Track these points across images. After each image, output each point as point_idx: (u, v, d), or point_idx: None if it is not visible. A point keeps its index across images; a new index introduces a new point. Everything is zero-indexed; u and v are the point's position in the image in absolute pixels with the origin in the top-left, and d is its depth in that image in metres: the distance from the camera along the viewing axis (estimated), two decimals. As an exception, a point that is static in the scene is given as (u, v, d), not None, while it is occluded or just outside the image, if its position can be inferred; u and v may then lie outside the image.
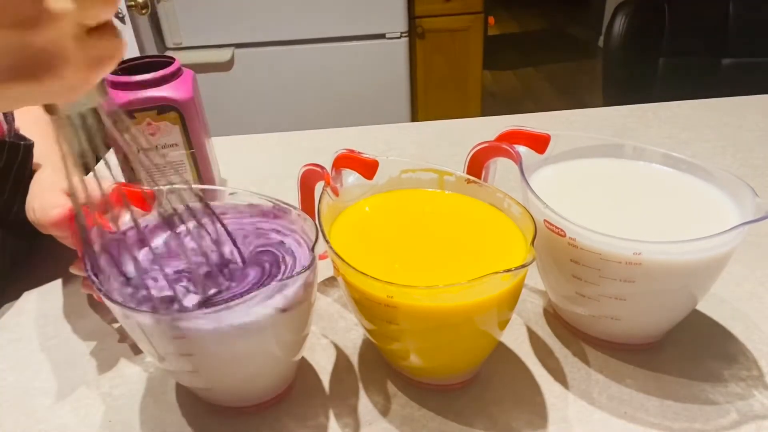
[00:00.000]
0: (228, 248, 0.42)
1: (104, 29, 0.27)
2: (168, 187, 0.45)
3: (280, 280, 0.36)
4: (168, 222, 0.45)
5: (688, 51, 1.49)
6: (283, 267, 0.41)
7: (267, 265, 0.42)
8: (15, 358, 0.52)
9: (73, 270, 0.50)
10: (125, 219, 0.45)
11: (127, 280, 0.40)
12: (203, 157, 0.66)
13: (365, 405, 0.45)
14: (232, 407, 0.45)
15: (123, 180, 0.60)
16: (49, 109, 0.31)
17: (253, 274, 0.41)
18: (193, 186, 0.43)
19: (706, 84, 1.47)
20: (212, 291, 0.39)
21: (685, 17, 1.48)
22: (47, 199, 0.51)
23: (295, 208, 0.45)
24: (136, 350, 0.51)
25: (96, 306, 0.56)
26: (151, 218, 0.46)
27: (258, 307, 0.37)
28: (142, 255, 0.44)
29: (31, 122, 0.62)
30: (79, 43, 0.26)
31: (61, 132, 0.32)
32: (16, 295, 0.59)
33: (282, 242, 0.44)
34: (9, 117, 0.60)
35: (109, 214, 0.45)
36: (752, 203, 0.42)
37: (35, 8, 0.24)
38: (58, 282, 0.61)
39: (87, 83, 0.28)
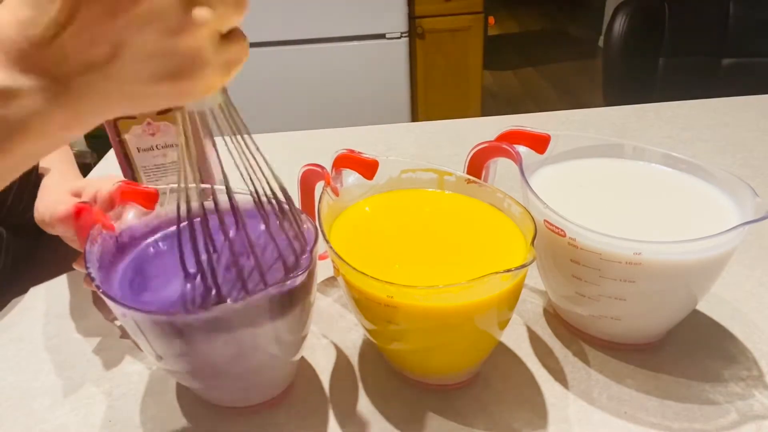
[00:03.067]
0: (227, 248, 0.42)
1: (234, 34, 0.30)
2: (170, 186, 0.45)
3: (280, 281, 0.36)
4: (168, 221, 0.45)
5: (688, 51, 1.49)
6: (282, 268, 0.41)
7: (266, 266, 0.42)
8: (15, 358, 0.52)
9: (76, 266, 0.50)
10: (128, 217, 0.45)
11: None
12: (204, 157, 0.66)
13: (365, 405, 0.45)
14: (232, 407, 0.45)
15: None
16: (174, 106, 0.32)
17: (251, 274, 0.41)
18: (194, 186, 0.43)
19: (706, 84, 1.47)
20: (211, 291, 0.39)
21: (685, 17, 1.48)
22: (53, 197, 0.51)
23: (294, 207, 0.44)
24: (138, 348, 0.51)
25: (99, 303, 0.56)
26: (152, 217, 0.46)
27: (257, 308, 0.37)
28: (144, 253, 0.44)
29: None
30: (215, 47, 0.29)
31: (182, 128, 0.34)
32: (17, 296, 0.59)
33: (282, 243, 0.44)
34: None
35: (112, 212, 0.45)
36: (752, 203, 0.42)
37: (182, 18, 0.26)
38: (59, 282, 0.61)
39: (221, 84, 0.30)
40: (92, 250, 0.41)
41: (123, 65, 0.26)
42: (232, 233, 0.43)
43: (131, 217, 0.45)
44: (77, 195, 0.52)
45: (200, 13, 0.27)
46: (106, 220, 0.44)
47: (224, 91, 0.35)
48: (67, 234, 0.50)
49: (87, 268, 0.39)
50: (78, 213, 0.46)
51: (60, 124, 0.27)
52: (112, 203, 0.46)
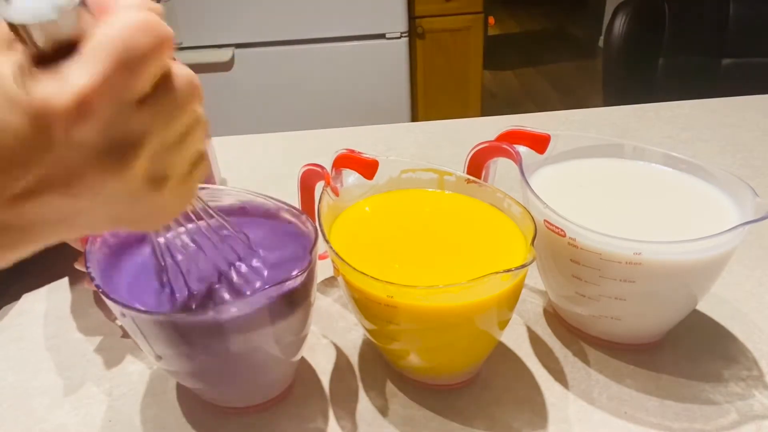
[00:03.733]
0: (227, 249, 0.42)
1: (195, 165, 0.29)
2: None
3: (279, 282, 0.36)
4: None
5: (688, 51, 1.49)
6: (282, 268, 0.41)
7: (266, 266, 0.42)
8: (15, 358, 0.52)
9: (77, 266, 0.50)
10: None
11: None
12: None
13: (365, 405, 0.45)
14: (233, 408, 0.45)
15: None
16: None
17: (251, 274, 0.41)
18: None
19: (706, 84, 1.47)
20: (211, 291, 0.39)
21: (685, 17, 1.48)
22: None
23: (295, 208, 0.45)
24: (139, 348, 0.51)
25: (100, 302, 0.56)
26: None
27: (256, 308, 0.37)
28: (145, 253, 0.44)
29: None
30: (176, 191, 0.28)
31: None
32: (17, 296, 0.59)
33: (281, 242, 0.44)
34: None
35: None
36: (752, 203, 0.42)
37: (145, 194, 0.26)
38: (59, 282, 0.61)
39: (184, 208, 0.31)
40: (93, 250, 0.41)
41: (79, 222, 0.26)
42: (232, 234, 0.43)
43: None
44: None
45: (164, 184, 0.26)
46: None
47: None
48: None
49: (87, 267, 0.39)
50: None
51: None
52: None
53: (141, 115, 0.24)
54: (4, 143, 0.21)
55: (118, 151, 0.23)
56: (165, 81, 0.25)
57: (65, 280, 0.61)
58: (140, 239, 0.45)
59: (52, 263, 0.63)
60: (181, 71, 0.26)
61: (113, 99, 0.23)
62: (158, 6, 0.26)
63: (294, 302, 0.39)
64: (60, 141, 0.22)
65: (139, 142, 0.24)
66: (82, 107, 0.22)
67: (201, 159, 0.29)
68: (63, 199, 0.24)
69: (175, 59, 0.26)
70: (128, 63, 0.22)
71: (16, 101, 0.21)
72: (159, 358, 0.40)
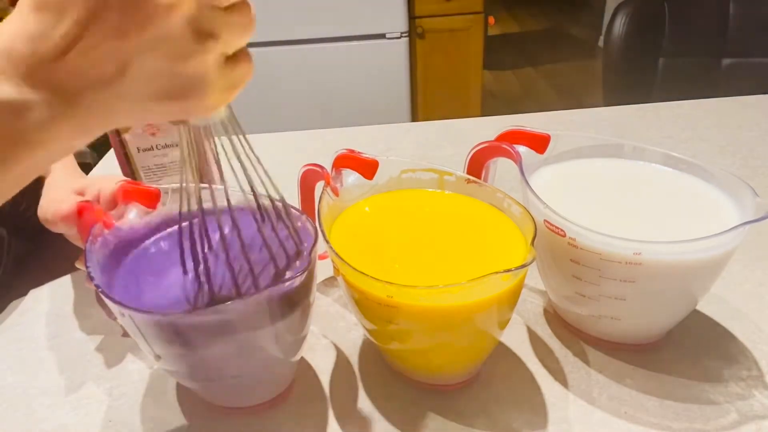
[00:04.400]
0: (227, 250, 0.42)
1: (239, 56, 0.30)
2: (172, 186, 0.45)
3: (278, 282, 0.36)
4: (169, 221, 0.45)
5: (688, 51, 1.49)
6: (281, 268, 0.41)
7: (265, 266, 0.42)
8: (15, 358, 0.52)
9: (77, 265, 0.50)
10: (130, 216, 0.45)
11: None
12: (204, 159, 0.66)
13: (365, 405, 0.45)
14: (233, 408, 0.45)
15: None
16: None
17: (251, 275, 0.41)
18: (195, 185, 0.43)
19: (706, 84, 1.47)
20: (210, 292, 0.39)
21: (685, 17, 1.48)
22: (56, 196, 0.51)
23: (295, 208, 0.45)
24: (139, 347, 0.51)
25: (101, 301, 0.56)
26: (153, 216, 0.46)
27: (255, 309, 0.37)
28: (142, 253, 0.44)
29: None
30: (220, 70, 0.29)
31: (185, 141, 0.35)
32: (18, 296, 0.59)
33: (281, 243, 0.44)
34: None
35: (114, 211, 0.45)
36: (752, 203, 0.42)
37: (189, 45, 0.27)
38: (59, 283, 0.61)
39: (224, 104, 0.31)
40: (93, 249, 0.41)
41: (129, 84, 0.27)
42: (231, 235, 0.43)
43: (133, 216, 0.45)
44: (80, 193, 0.52)
45: (208, 41, 0.27)
46: (108, 219, 0.44)
47: (228, 106, 0.35)
48: (69, 232, 0.50)
49: (87, 267, 0.39)
50: (80, 211, 0.46)
51: (67, 136, 0.27)
52: (114, 202, 0.47)
53: None
54: None
55: None
56: None
57: (65, 280, 0.61)
58: (141, 239, 0.45)
59: (53, 262, 0.63)
60: None
61: None
62: None
63: (294, 302, 0.39)
64: None
65: None
66: None
67: (245, 54, 0.31)
68: (113, 42, 0.25)
69: None
70: None
71: None
72: (158, 357, 0.40)
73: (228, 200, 0.40)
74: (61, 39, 0.25)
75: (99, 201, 0.48)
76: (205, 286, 0.40)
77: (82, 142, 0.28)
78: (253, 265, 0.42)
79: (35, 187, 0.58)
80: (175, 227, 0.45)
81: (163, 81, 0.27)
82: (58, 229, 0.50)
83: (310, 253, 0.39)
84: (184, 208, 0.38)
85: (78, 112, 0.26)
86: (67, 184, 0.54)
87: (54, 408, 0.47)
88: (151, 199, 0.46)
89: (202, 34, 0.27)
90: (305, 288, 0.39)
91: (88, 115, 0.27)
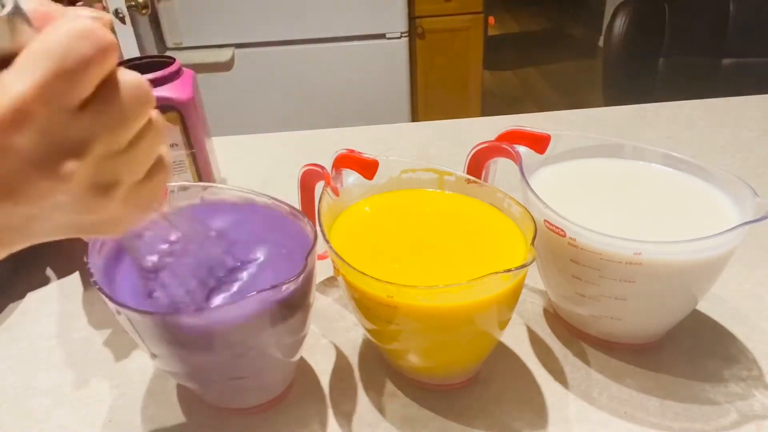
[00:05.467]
0: (225, 249, 0.42)
1: (152, 170, 0.29)
2: (171, 185, 0.45)
3: (277, 284, 0.36)
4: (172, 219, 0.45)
5: (688, 51, 1.49)
6: (280, 268, 0.41)
7: (264, 266, 0.42)
8: (15, 358, 0.52)
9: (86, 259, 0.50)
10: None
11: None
12: (203, 157, 0.66)
13: (365, 405, 0.45)
14: (232, 408, 0.45)
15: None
16: None
17: (249, 275, 0.41)
18: (194, 184, 0.43)
19: (706, 84, 1.47)
20: (207, 292, 0.39)
21: (685, 17, 1.48)
22: None
23: (294, 208, 0.45)
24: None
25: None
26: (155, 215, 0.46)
27: (250, 313, 0.36)
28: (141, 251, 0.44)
29: None
30: (132, 196, 0.28)
31: None
32: (18, 296, 0.59)
33: (280, 243, 0.44)
34: None
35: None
36: (752, 203, 0.42)
37: (92, 202, 0.26)
38: (59, 283, 0.61)
39: (141, 220, 0.31)
40: (96, 244, 0.40)
41: (36, 229, 0.26)
42: (228, 235, 0.43)
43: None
44: None
45: (110, 190, 0.26)
46: None
47: None
48: None
49: (87, 262, 0.39)
50: None
51: None
52: None
53: (81, 122, 0.24)
54: None
55: (57, 158, 0.23)
56: (108, 87, 0.25)
57: (65, 280, 0.61)
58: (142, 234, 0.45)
59: (53, 263, 0.63)
60: (127, 77, 0.25)
61: (52, 106, 0.23)
62: (108, 16, 0.26)
63: (291, 305, 0.38)
64: None
65: (79, 149, 0.24)
66: (18, 115, 0.22)
67: (160, 164, 0.29)
68: (10, 207, 0.24)
69: (122, 67, 0.26)
70: (67, 70, 0.22)
71: None
72: (153, 356, 0.40)
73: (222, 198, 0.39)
74: None
75: None
76: (201, 289, 0.39)
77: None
78: (253, 266, 0.42)
79: None
80: (176, 225, 0.45)
81: (73, 225, 0.27)
82: None
83: (306, 259, 0.38)
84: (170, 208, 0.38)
85: None
86: None
87: (54, 408, 0.47)
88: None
89: (102, 188, 0.26)
90: (303, 291, 0.39)
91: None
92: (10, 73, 0.22)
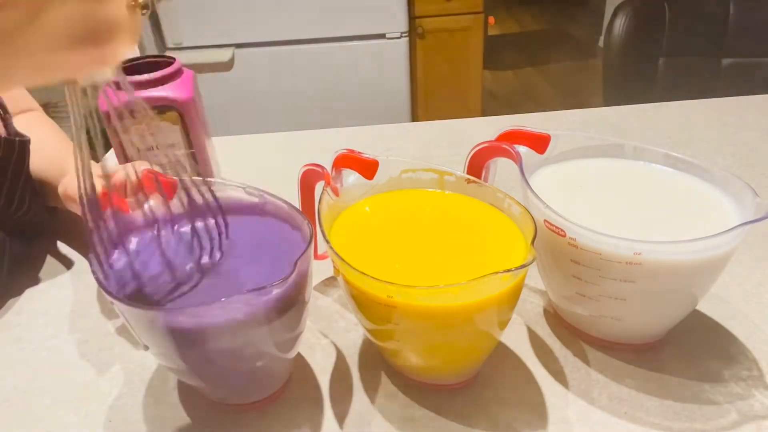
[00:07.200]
0: (222, 245, 0.42)
1: (137, 3, 0.30)
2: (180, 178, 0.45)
3: (274, 284, 0.35)
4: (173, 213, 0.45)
5: (688, 51, 1.49)
6: (279, 267, 0.41)
7: (262, 265, 0.41)
8: (15, 358, 0.52)
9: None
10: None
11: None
12: (203, 157, 0.66)
13: (365, 405, 0.45)
14: (231, 405, 0.45)
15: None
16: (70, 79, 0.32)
17: (246, 273, 0.41)
18: (197, 179, 0.43)
19: (706, 84, 1.47)
20: (201, 288, 0.39)
21: (685, 17, 1.48)
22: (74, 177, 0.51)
23: (293, 206, 0.44)
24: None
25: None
26: (158, 209, 0.46)
27: (246, 308, 0.36)
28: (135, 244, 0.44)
29: (23, 123, 0.62)
30: (130, 13, 0.28)
31: (75, 102, 0.34)
32: (17, 295, 0.59)
33: (279, 243, 0.44)
34: (6, 115, 0.60)
35: (134, 198, 0.45)
36: (752, 203, 0.42)
37: None
38: (59, 282, 0.61)
39: (131, 50, 0.30)
40: (97, 235, 0.40)
41: (36, 33, 0.25)
42: (223, 233, 0.43)
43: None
44: (107, 177, 0.51)
45: None
46: (123, 205, 0.44)
47: (117, 67, 0.34)
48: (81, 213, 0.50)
49: (89, 256, 0.39)
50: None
51: None
52: (139, 188, 0.46)
53: None
54: None
55: None
56: None
57: (65, 279, 0.61)
58: (144, 228, 0.45)
59: (52, 263, 0.63)
60: None
61: None
62: None
63: (286, 303, 0.38)
64: None
65: None
66: None
67: None
68: None
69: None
70: None
71: None
72: (146, 347, 0.40)
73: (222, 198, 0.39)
74: None
75: (125, 186, 0.47)
76: (192, 284, 0.39)
77: None
78: (248, 263, 0.42)
79: (25, 188, 0.58)
80: (176, 221, 0.45)
81: (78, 26, 0.26)
82: (73, 208, 0.50)
83: (297, 260, 0.38)
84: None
85: None
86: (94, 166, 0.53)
87: (54, 408, 0.47)
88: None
89: None
90: (297, 288, 0.39)
91: None
92: None
